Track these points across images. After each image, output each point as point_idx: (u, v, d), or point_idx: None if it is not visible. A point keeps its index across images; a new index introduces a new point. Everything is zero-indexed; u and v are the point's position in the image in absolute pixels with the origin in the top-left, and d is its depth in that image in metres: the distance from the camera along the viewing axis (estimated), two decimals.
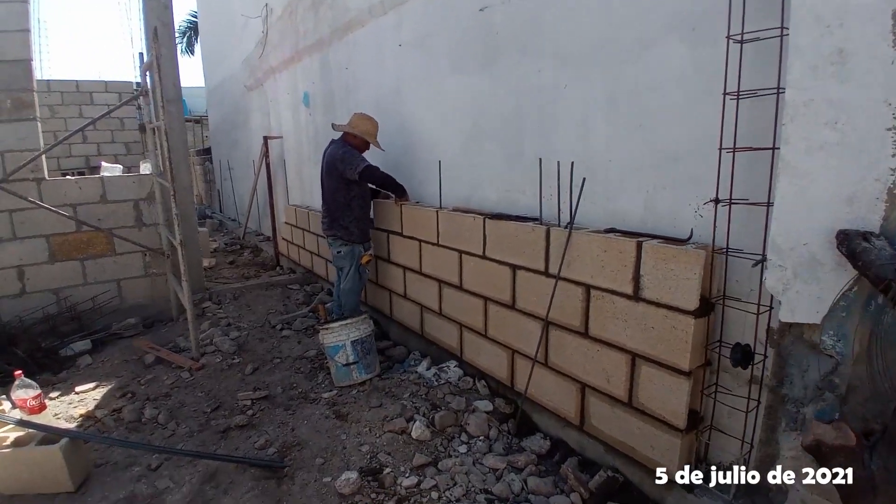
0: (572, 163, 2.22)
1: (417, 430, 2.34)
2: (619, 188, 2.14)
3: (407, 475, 2.12)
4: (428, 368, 3.04)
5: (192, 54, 16.21)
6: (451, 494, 2.01)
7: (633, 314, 1.95)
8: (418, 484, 2.07)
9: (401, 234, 3.45)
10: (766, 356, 1.70)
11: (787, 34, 1.42)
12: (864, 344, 1.37)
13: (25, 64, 3.69)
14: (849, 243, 1.29)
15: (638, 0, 1.93)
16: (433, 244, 3.11)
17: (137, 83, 8.31)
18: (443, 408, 2.58)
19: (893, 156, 1.24)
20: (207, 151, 11.52)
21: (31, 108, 3.72)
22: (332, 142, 3.47)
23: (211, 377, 3.14)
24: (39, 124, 3.81)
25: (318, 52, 4.79)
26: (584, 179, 2.16)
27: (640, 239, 1.92)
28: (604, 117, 2.15)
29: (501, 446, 2.34)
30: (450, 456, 2.24)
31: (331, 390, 2.91)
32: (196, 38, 15.06)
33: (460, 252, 2.88)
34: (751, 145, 1.62)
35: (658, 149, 1.96)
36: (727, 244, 1.72)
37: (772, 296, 1.61)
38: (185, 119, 6.33)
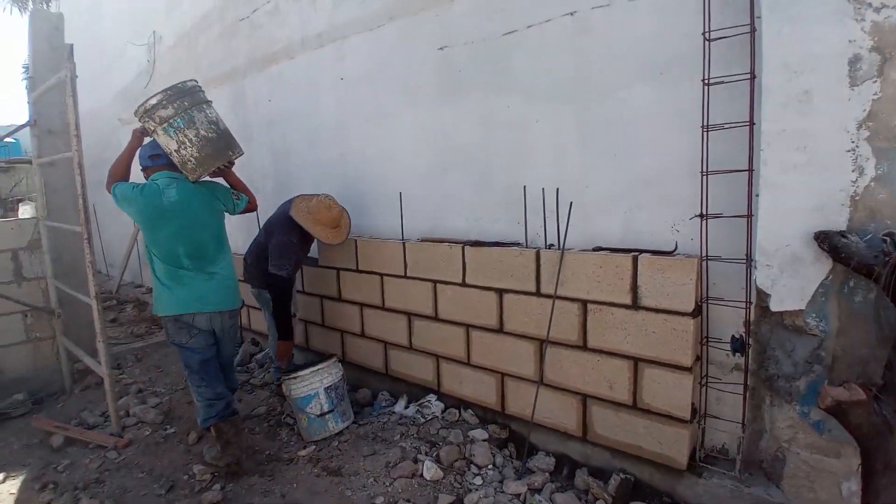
0: (557, 189, 2.40)
1: (429, 470, 2.22)
2: (596, 211, 2.35)
3: None
4: (406, 407, 2.91)
5: None
6: None
7: (633, 322, 2.14)
8: None
9: (356, 270, 3.31)
10: (748, 345, 2.00)
11: (755, 78, 1.77)
12: (843, 321, 1.71)
13: None
14: (830, 240, 1.62)
15: (608, 48, 2.21)
16: (399, 277, 3.04)
17: None
18: (441, 443, 2.48)
19: (853, 170, 1.60)
20: None
21: None
22: (285, 207, 3.14)
23: (146, 453, 2.60)
24: None
25: (228, 83, 4.46)
26: (571, 204, 2.35)
27: (634, 253, 2.13)
28: (578, 149, 2.37)
29: (511, 471, 2.33)
30: (470, 490, 2.16)
31: (305, 447, 2.61)
32: None
33: (434, 282, 2.86)
34: (720, 169, 1.94)
35: (633, 175, 2.22)
36: (706, 252, 2.01)
37: (750, 292, 1.92)
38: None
